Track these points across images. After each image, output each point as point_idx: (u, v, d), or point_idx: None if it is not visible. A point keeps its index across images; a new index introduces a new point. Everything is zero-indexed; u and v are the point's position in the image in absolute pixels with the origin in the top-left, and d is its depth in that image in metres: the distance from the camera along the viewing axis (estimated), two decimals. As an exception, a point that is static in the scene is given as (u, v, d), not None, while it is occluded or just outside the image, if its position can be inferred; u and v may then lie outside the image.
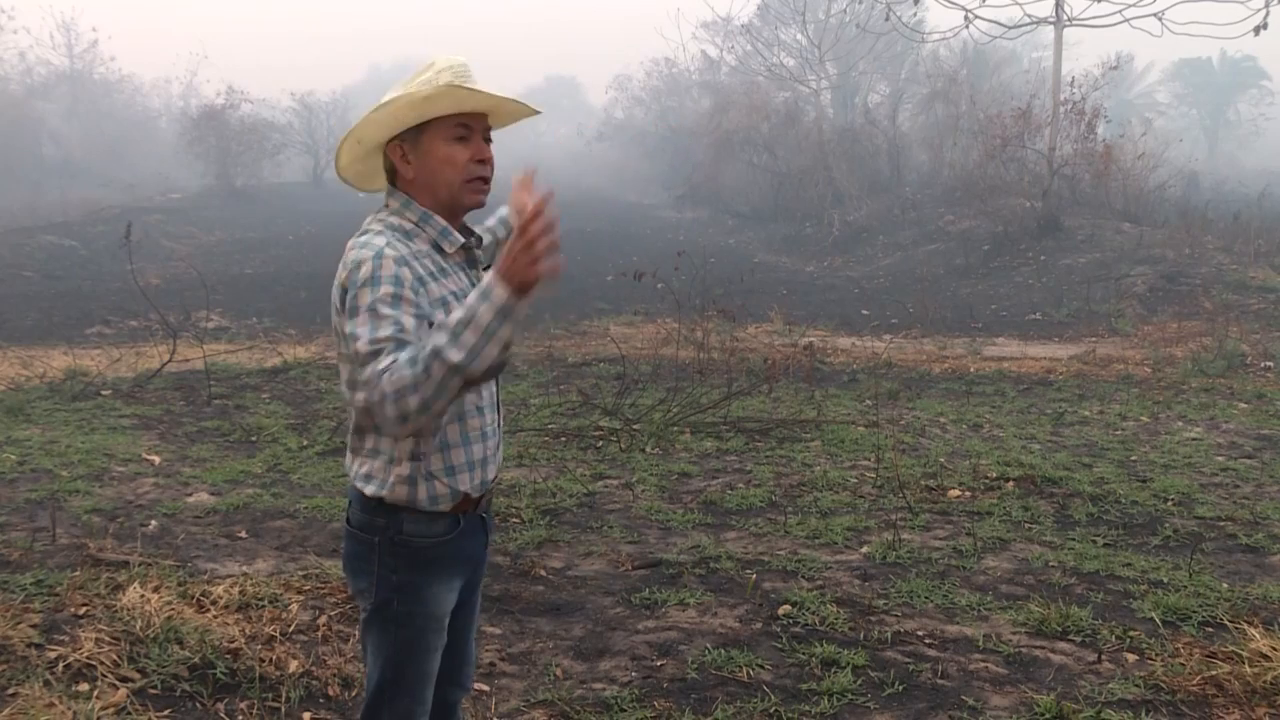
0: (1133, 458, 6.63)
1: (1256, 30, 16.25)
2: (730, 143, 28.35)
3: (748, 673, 3.55)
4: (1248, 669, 3.46)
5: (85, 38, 45.72)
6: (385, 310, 1.93)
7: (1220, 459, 6.59)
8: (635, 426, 7.20)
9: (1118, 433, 7.38)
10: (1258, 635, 3.64)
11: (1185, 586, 4.30)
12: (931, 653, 3.71)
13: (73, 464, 6.09)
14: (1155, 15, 17.76)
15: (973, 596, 4.23)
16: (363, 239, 2.05)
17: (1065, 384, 9.25)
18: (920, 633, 3.88)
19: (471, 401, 2.13)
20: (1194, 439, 7.16)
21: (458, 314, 1.86)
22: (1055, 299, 14.56)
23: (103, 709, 3.13)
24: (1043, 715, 3.27)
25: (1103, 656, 3.65)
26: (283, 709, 3.27)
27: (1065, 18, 18.78)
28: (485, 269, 2.27)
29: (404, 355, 1.88)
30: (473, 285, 2.17)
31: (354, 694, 3.37)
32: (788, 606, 4.09)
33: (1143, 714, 3.27)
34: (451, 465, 2.11)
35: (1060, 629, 3.87)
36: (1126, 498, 5.63)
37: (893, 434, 7.14)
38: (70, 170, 37.18)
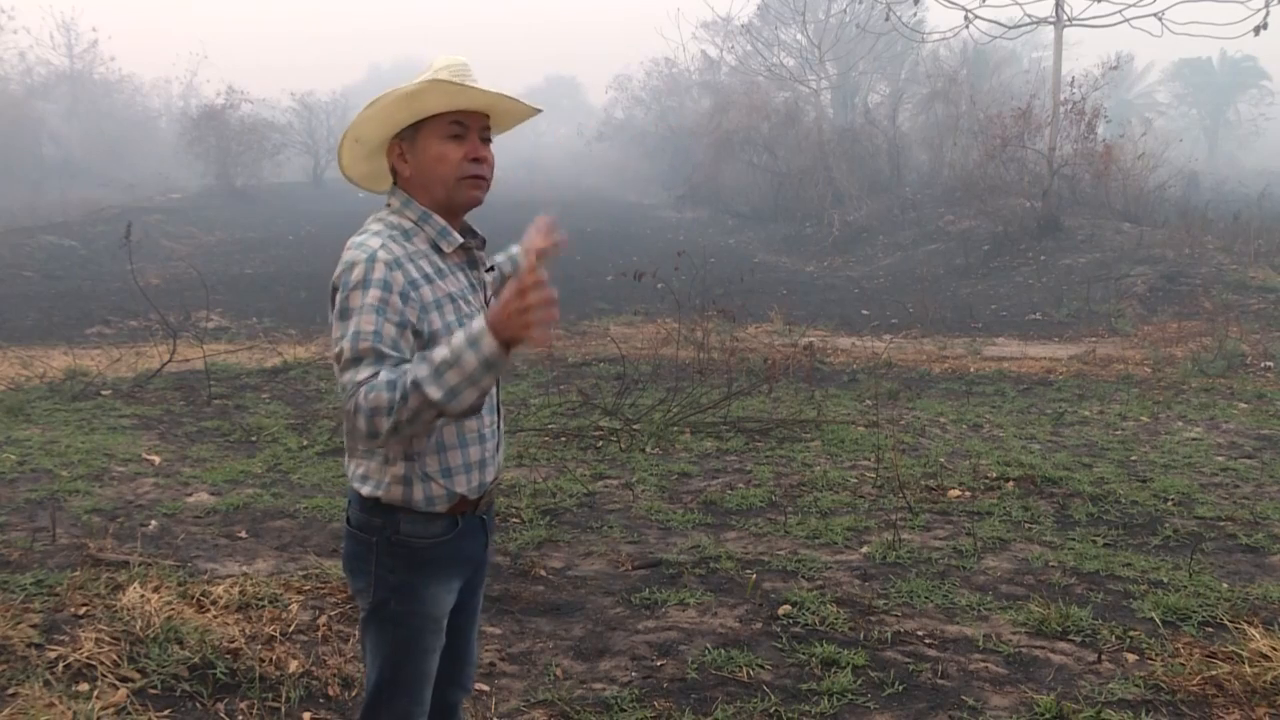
0: (1133, 458, 6.63)
1: (1256, 30, 16.25)
2: (730, 143, 28.36)
3: (748, 673, 3.55)
4: (1248, 669, 3.46)
5: (85, 38, 45.77)
6: (370, 316, 1.95)
7: (1220, 459, 6.59)
8: (635, 426, 7.20)
9: (1118, 433, 7.38)
10: (1258, 635, 3.64)
11: (1185, 586, 4.30)
12: (931, 653, 3.71)
13: (73, 464, 6.09)
14: (1155, 15, 17.77)
15: (973, 596, 4.23)
16: (359, 239, 2.06)
17: (1065, 384, 9.25)
18: (920, 633, 3.88)
19: None
20: (1194, 439, 7.16)
21: (444, 352, 1.89)
22: (1055, 299, 14.56)
23: (103, 709, 3.13)
24: (1043, 715, 3.27)
25: (1103, 656, 3.65)
26: (283, 709, 3.27)
27: (1065, 18, 18.78)
28: (488, 270, 2.28)
29: (384, 375, 1.91)
30: (472, 286, 2.17)
31: (354, 694, 3.37)
32: (788, 606, 4.09)
33: (1143, 714, 3.27)
34: (448, 467, 2.11)
35: (1060, 629, 3.87)
36: (1126, 498, 5.63)
37: (893, 434, 7.15)
38: (70, 170, 37.18)
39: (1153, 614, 4.01)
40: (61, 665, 3.37)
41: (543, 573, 4.50)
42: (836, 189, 24.38)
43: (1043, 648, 3.76)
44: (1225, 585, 4.33)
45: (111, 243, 18.54)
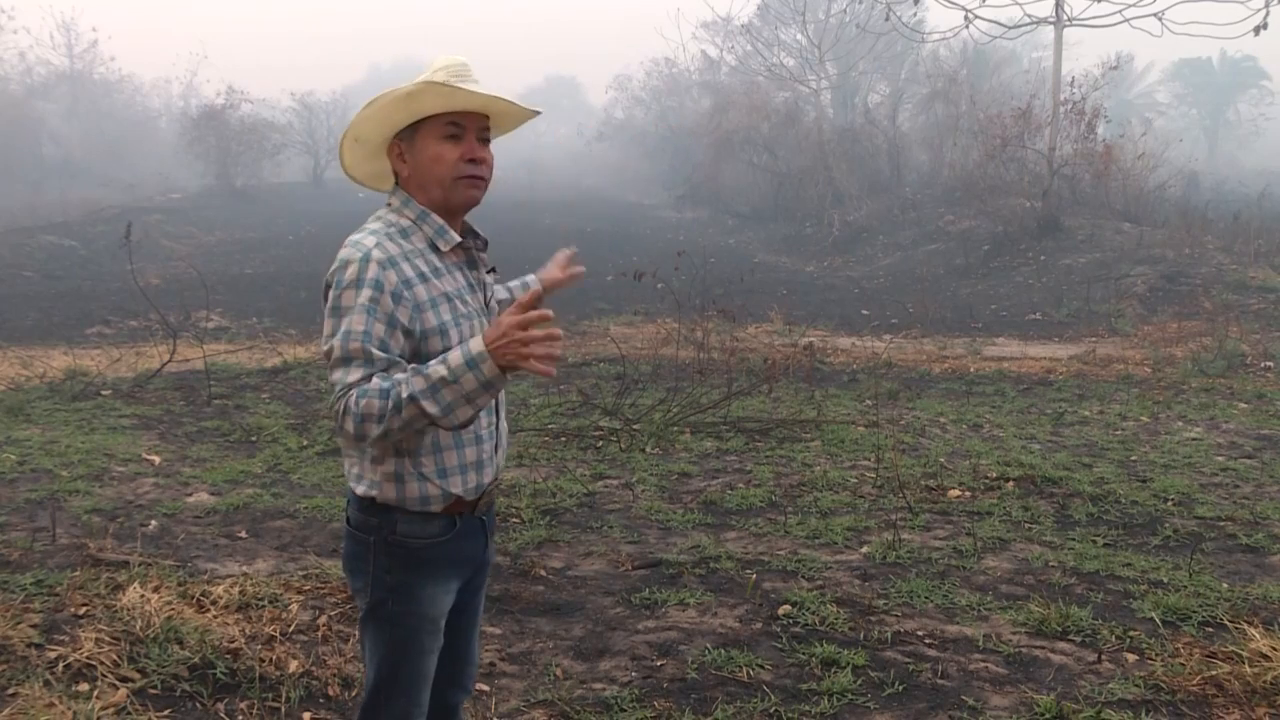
0: (1133, 458, 6.63)
1: (1256, 30, 16.24)
2: (730, 143, 28.36)
3: (748, 673, 3.55)
4: (1248, 669, 3.46)
5: (85, 38, 45.79)
6: (361, 316, 1.98)
7: (1220, 459, 6.59)
8: (635, 426, 7.20)
9: (1118, 433, 7.38)
10: (1258, 635, 3.64)
11: (1185, 586, 4.30)
12: (931, 653, 3.71)
13: (73, 464, 6.09)
14: (1155, 15, 17.76)
15: (973, 596, 4.23)
16: (356, 237, 2.09)
17: (1065, 384, 9.25)
18: (920, 633, 3.88)
19: None
20: (1194, 439, 7.16)
21: (441, 370, 1.92)
22: (1055, 299, 14.56)
23: (103, 709, 3.13)
24: (1043, 715, 3.27)
25: (1103, 656, 3.65)
26: (283, 709, 3.27)
27: (1065, 18, 18.78)
28: (490, 271, 2.29)
29: (378, 382, 1.94)
30: (470, 286, 2.18)
31: (354, 694, 3.37)
32: (788, 606, 4.09)
33: (1143, 714, 3.27)
34: (444, 467, 2.11)
35: (1060, 629, 3.87)
36: (1126, 498, 5.63)
37: (893, 434, 7.14)
38: (70, 170, 37.18)
39: (1153, 614, 4.01)
40: (61, 665, 3.37)
41: (543, 573, 4.50)
42: (836, 189, 24.38)
43: (1043, 648, 3.76)
44: (1225, 585, 4.33)
45: (111, 243, 18.54)
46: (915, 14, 20.70)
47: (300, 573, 4.37)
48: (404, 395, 1.92)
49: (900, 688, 3.45)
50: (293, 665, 3.48)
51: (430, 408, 1.92)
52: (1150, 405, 8.31)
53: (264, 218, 28.49)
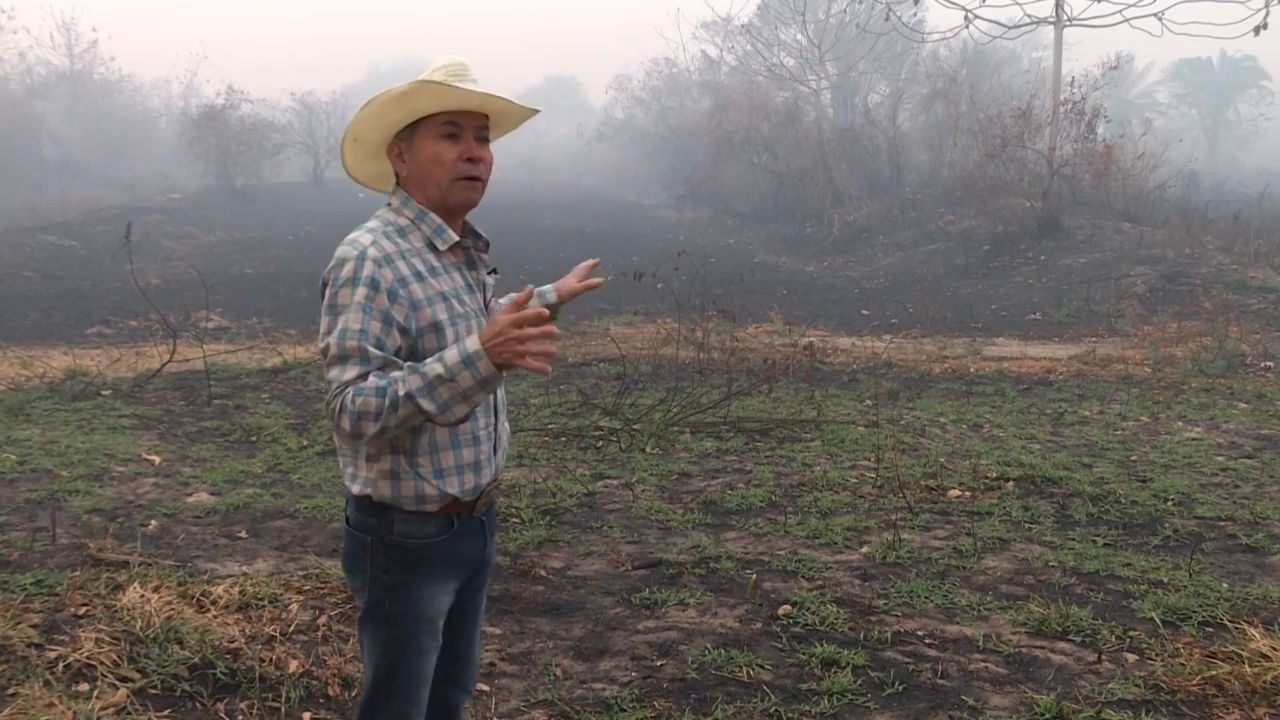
0: (1133, 458, 6.63)
1: (1256, 30, 16.24)
2: (730, 143, 28.36)
3: (748, 673, 3.55)
4: (1248, 669, 3.46)
5: (85, 38, 45.79)
6: (357, 314, 1.99)
7: (1220, 459, 6.59)
8: (635, 426, 7.20)
9: (1118, 433, 7.38)
10: (1258, 635, 3.64)
11: (1185, 586, 4.30)
12: (931, 653, 3.71)
13: (73, 464, 6.09)
14: (1155, 15, 17.77)
15: (973, 596, 4.23)
16: (353, 235, 2.10)
17: (1065, 384, 9.25)
18: (920, 633, 3.88)
19: None
20: (1194, 439, 7.16)
21: (438, 368, 1.93)
22: (1055, 299, 14.56)
23: (103, 709, 3.13)
24: (1043, 715, 3.27)
25: (1103, 656, 3.65)
26: (283, 709, 3.27)
27: (1065, 18, 18.78)
28: (491, 272, 2.29)
29: (374, 380, 1.96)
30: (469, 286, 2.18)
31: (354, 694, 3.37)
32: (788, 606, 4.09)
33: (1143, 714, 3.27)
34: (440, 468, 2.11)
35: (1060, 629, 3.87)
36: (1126, 498, 5.63)
37: (893, 434, 7.14)
38: (70, 170, 37.18)
39: (1153, 614, 4.01)
40: (61, 665, 3.37)
41: (543, 573, 4.50)
42: (836, 189, 24.38)
43: (1043, 648, 3.76)
44: (1225, 585, 4.33)
45: (111, 243, 18.54)
46: (915, 14, 20.71)
47: (300, 573, 4.37)
48: (400, 393, 1.92)
49: (900, 688, 3.45)
50: (293, 665, 3.48)
51: (427, 405, 1.93)
52: (1150, 405, 8.31)
53: (264, 218, 28.49)
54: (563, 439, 7.01)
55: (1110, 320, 12.96)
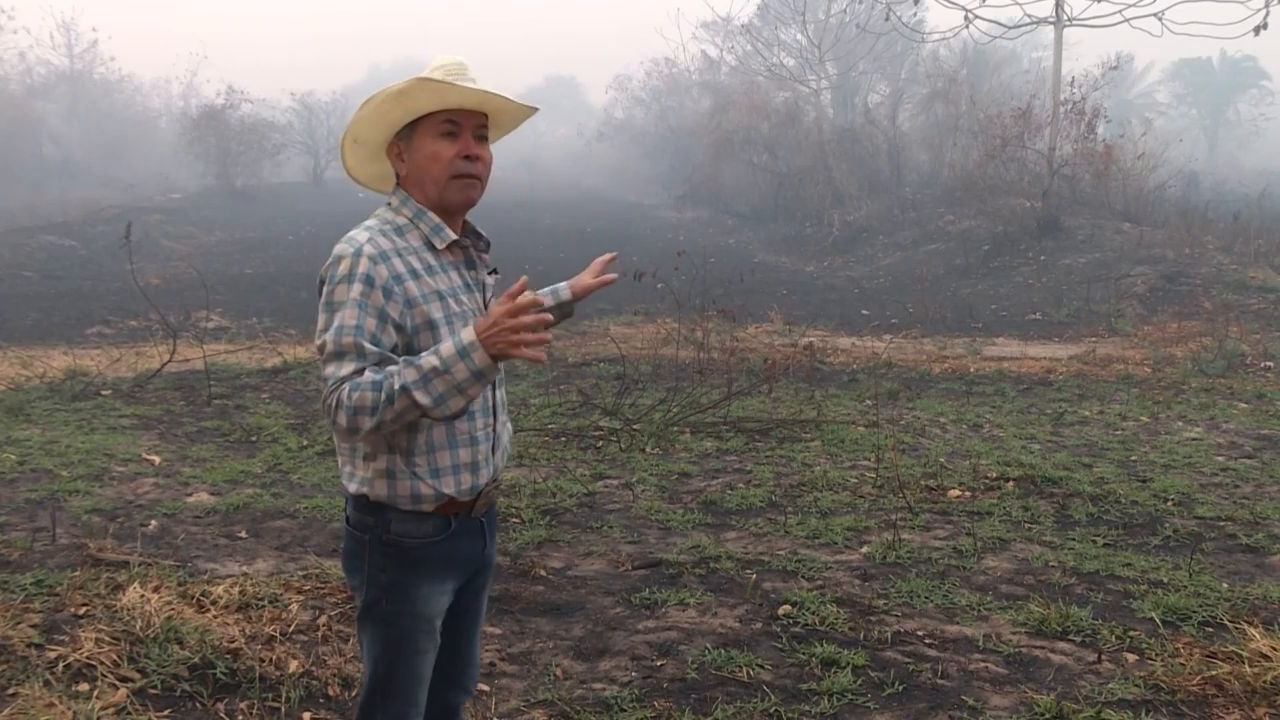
0: (1133, 458, 6.63)
1: (1256, 30, 16.25)
2: (730, 143, 28.36)
3: (748, 673, 3.55)
4: (1248, 669, 3.46)
5: (85, 38, 45.80)
6: (353, 310, 2.00)
7: (1220, 459, 6.59)
8: (635, 426, 7.20)
9: (1118, 433, 7.38)
10: (1258, 635, 3.64)
11: (1185, 586, 4.30)
12: (931, 653, 3.71)
13: (73, 464, 6.09)
14: (1155, 15, 17.78)
15: (973, 596, 4.23)
16: (351, 233, 2.11)
17: (1065, 384, 9.25)
18: (920, 633, 3.88)
19: None
20: (1194, 439, 7.16)
21: (433, 360, 1.94)
22: (1055, 299, 14.56)
23: (103, 709, 3.13)
24: (1043, 715, 3.27)
25: (1103, 656, 3.65)
26: (283, 709, 3.27)
27: (1065, 18, 18.78)
28: (491, 272, 2.29)
29: (370, 374, 1.96)
30: (467, 286, 2.18)
31: (354, 694, 3.37)
32: (788, 606, 4.09)
33: (1143, 714, 3.27)
34: (436, 467, 2.11)
35: (1060, 629, 3.87)
36: (1126, 498, 5.63)
37: (893, 434, 7.14)
38: (70, 170, 37.18)
39: (1153, 614, 4.01)
40: (61, 665, 3.37)
41: (543, 573, 4.50)
42: (836, 189, 24.38)
43: (1043, 648, 3.76)
44: (1225, 585, 4.33)
45: (111, 243, 18.54)
46: (915, 14, 20.72)
47: (300, 573, 4.37)
48: (396, 386, 1.93)
49: (900, 688, 3.45)
50: (293, 665, 3.48)
51: (422, 398, 1.93)
52: (1150, 405, 8.31)
53: (264, 218, 28.49)
54: (563, 439, 7.01)
55: (1110, 320, 12.96)
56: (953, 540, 4.95)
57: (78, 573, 4.15)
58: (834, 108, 31.17)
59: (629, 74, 47.14)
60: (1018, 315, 14.02)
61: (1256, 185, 21.94)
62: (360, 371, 1.97)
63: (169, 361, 9.16)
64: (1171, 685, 3.44)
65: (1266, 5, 16.16)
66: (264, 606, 3.90)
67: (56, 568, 4.31)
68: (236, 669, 3.42)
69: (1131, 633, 3.85)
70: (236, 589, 4.00)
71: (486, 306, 2.23)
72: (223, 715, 3.23)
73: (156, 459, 6.37)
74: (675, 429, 7.25)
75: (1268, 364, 9.82)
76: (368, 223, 2.13)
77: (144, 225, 20.53)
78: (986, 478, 5.99)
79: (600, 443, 6.93)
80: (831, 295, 16.44)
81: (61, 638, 3.57)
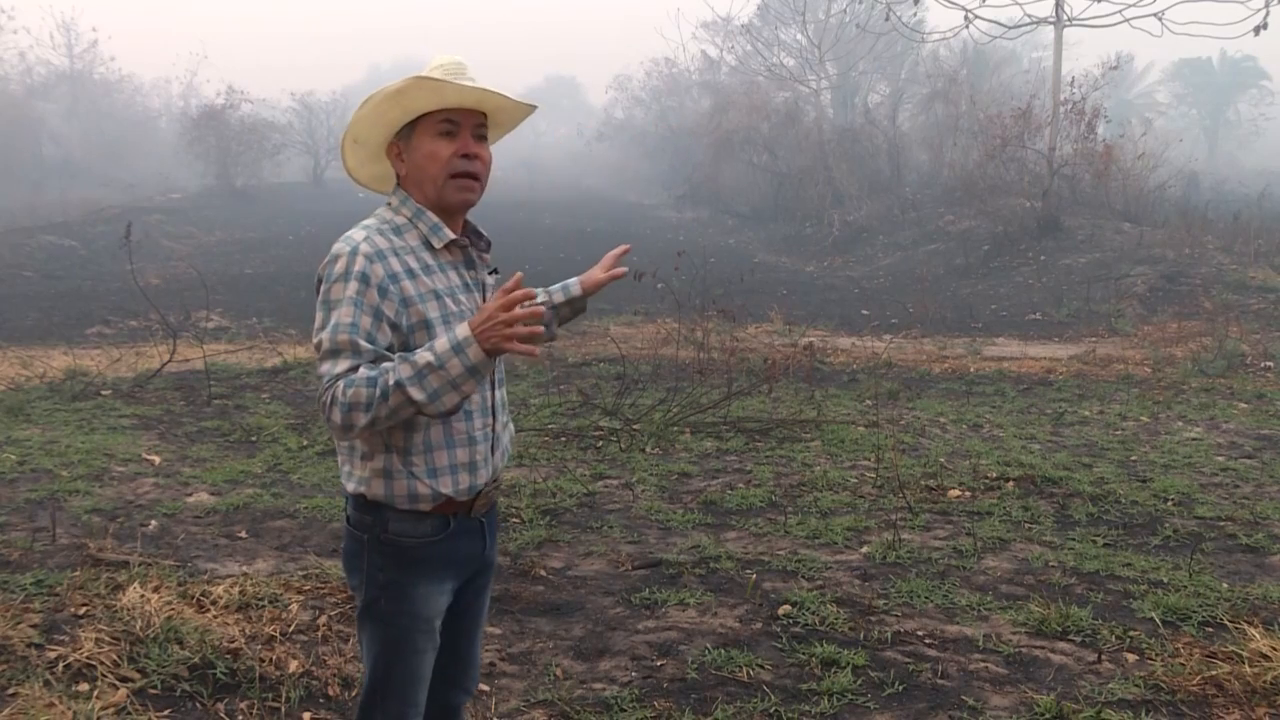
0: (1133, 458, 6.63)
1: (1256, 30, 16.25)
2: (730, 143, 28.36)
3: (748, 673, 3.55)
4: (1248, 669, 3.46)
5: (85, 38, 45.78)
6: (348, 308, 2.00)
7: (1220, 459, 6.58)
8: (635, 426, 7.20)
9: (1118, 433, 7.38)
10: (1258, 635, 3.64)
11: (1185, 586, 4.30)
12: (931, 653, 3.71)
13: (73, 464, 6.09)
14: (1155, 15, 17.77)
15: (973, 596, 4.23)
16: (348, 233, 2.11)
17: (1065, 384, 9.25)
18: (920, 633, 3.88)
19: None
20: (1194, 439, 7.16)
21: (427, 356, 1.94)
22: (1055, 299, 14.56)
23: (103, 709, 3.13)
24: (1043, 715, 3.27)
25: (1103, 656, 3.65)
26: (283, 709, 3.27)
27: (1065, 18, 18.78)
28: (492, 273, 2.29)
29: (365, 371, 1.96)
30: (466, 285, 2.18)
31: (354, 694, 3.37)
32: (788, 606, 4.09)
33: (1143, 714, 3.27)
34: (434, 467, 2.11)
35: (1060, 629, 3.87)
36: (1126, 498, 5.63)
37: (893, 434, 7.14)
38: (70, 170, 37.18)
39: (1153, 614, 4.01)
40: (61, 665, 3.37)
41: (543, 573, 4.50)
42: (836, 189, 24.38)
43: (1043, 648, 3.76)
44: (1225, 585, 4.33)
45: (111, 243, 18.54)
46: (915, 14, 20.71)
47: (300, 573, 4.37)
48: (390, 383, 1.93)
49: (900, 688, 3.45)
50: (293, 665, 3.48)
51: (416, 394, 1.93)
52: (1150, 405, 8.31)
53: (264, 218, 28.49)
54: (563, 439, 7.01)
55: (1110, 320, 12.96)
56: (953, 540, 4.95)
57: (78, 573, 4.15)
58: (834, 108, 31.17)
59: (629, 74, 47.22)
60: (1018, 315, 14.02)
61: (1256, 185, 21.94)
62: (355, 369, 1.97)
63: (169, 361, 9.16)
64: (1171, 685, 3.44)
65: (1266, 5, 16.16)
66: (264, 606, 3.90)
67: (56, 568, 4.31)
68: (236, 669, 3.43)
69: (1131, 633, 3.85)
70: (236, 589, 4.00)
71: None
72: (223, 715, 3.23)
73: (156, 459, 6.37)
74: (675, 429, 7.25)
75: (1268, 364, 9.82)
76: (366, 222, 2.14)
77: (144, 225, 20.54)
78: (986, 478, 5.99)
79: (600, 443, 6.93)
80: (831, 295, 16.44)
81: (61, 638, 3.57)
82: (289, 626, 3.79)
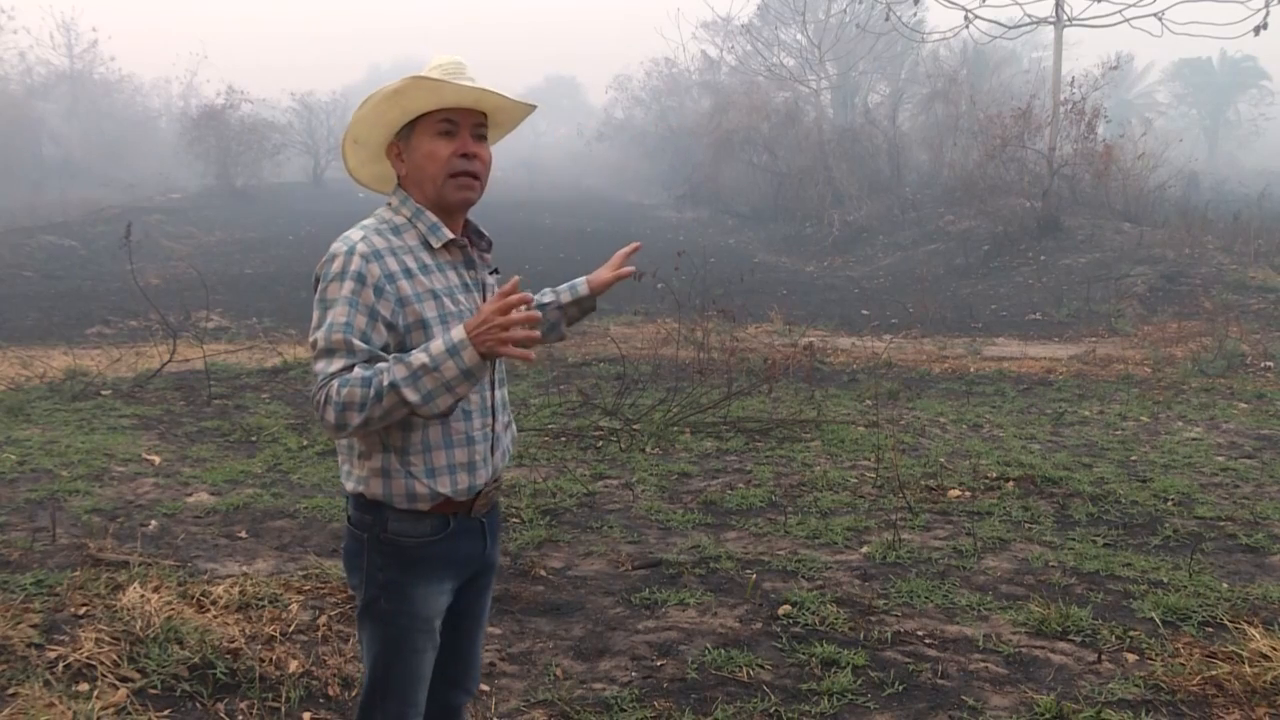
0: (1133, 458, 6.63)
1: (1256, 30, 16.26)
2: (730, 143, 28.36)
3: (748, 673, 3.55)
4: (1248, 669, 3.46)
5: (85, 38, 45.77)
6: (343, 308, 2.00)
7: (1220, 459, 6.58)
8: (635, 426, 7.20)
9: (1118, 433, 7.38)
10: (1258, 635, 3.64)
11: (1185, 586, 4.30)
12: (931, 653, 3.71)
13: (73, 464, 6.09)
14: (1155, 15, 17.79)
15: (973, 596, 4.23)
16: (347, 232, 2.11)
17: (1065, 384, 9.25)
18: (920, 633, 3.88)
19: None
20: (1194, 439, 7.16)
21: (422, 357, 1.94)
22: (1055, 299, 14.56)
23: (103, 709, 3.13)
24: (1043, 715, 3.27)
25: (1103, 656, 3.65)
26: (283, 709, 3.27)
27: (1065, 18, 18.79)
28: (493, 273, 2.29)
29: (359, 371, 1.96)
30: (465, 286, 2.18)
31: (354, 694, 3.37)
32: (788, 606, 4.09)
33: (1143, 714, 3.27)
34: (432, 467, 2.11)
35: (1060, 629, 3.87)
36: (1126, 498, 5.63)
37: (893, 434, 7.14)
38: (70, 170, 37.18)
39: (1153, 614, 4.01)
40: (61, 665, 3.37)
41: (543, 573, 4.51)
42: (836, 189, 24.38)
43: (1043, 648, 3.76)
44: (1225, 585, 4.33)
45: (111, 243, 18.54)
46: (915, 14, 20.72)
47: (300, 573, 4.37)
48: (385, 383, 1.93)
49: (900, 688, 3.45)
50: (293, 665, 3.48)
51: (410, 395, 1.93)
52: (1150, 405, 8.31)
53: (264, 218, 28.49)
54: (563, 439, 7.01)
55: (1110, 320, 12.96)
56: (953, 540, 4.95)
57: (78, 573, 4.15)
58: (834, 108, 31.17)
59: (629, 74, 47.21)
60: (1018, 315, 14.03)
61: (1256, 185, 21.95)
62: (350, 368, 1.97)
63: (169, 361, 9.16)
64: (1171, 685, 3.44)
65: (1266, 5, 16.17)
66: (264, 606, 3.90)
67: (56, 568, 4.31)
68: (236, 669, 3.43)
69: (1131, 633, 3.85)
70: (236, 589, 4.00)
71: None
72: (223, 715, 3.23)
73: (156, 459, 6.37)
74: (675, 429, 7.25)
75: (1268, 364, 9.82)
76: (365, 222, 2.14)
77: (144, 225, 20.54)
78: (986, 478, 5.99)
79: (600, 443, 6.93)
80: (831, 295, 16.44)
81: (61, 638, 3.57)
82: (289, 626, 3.79)
